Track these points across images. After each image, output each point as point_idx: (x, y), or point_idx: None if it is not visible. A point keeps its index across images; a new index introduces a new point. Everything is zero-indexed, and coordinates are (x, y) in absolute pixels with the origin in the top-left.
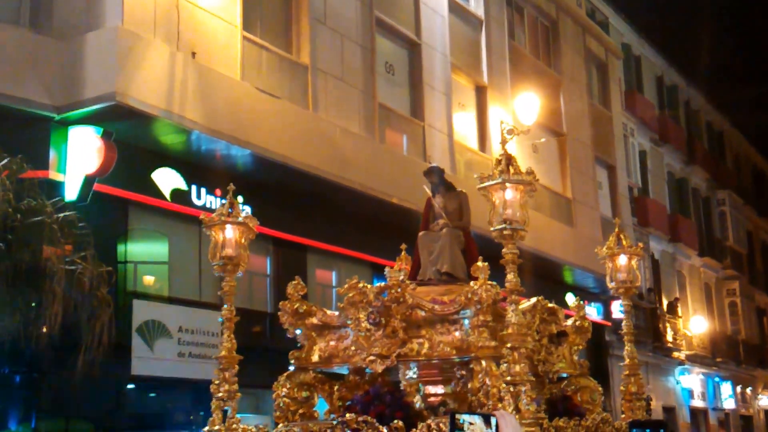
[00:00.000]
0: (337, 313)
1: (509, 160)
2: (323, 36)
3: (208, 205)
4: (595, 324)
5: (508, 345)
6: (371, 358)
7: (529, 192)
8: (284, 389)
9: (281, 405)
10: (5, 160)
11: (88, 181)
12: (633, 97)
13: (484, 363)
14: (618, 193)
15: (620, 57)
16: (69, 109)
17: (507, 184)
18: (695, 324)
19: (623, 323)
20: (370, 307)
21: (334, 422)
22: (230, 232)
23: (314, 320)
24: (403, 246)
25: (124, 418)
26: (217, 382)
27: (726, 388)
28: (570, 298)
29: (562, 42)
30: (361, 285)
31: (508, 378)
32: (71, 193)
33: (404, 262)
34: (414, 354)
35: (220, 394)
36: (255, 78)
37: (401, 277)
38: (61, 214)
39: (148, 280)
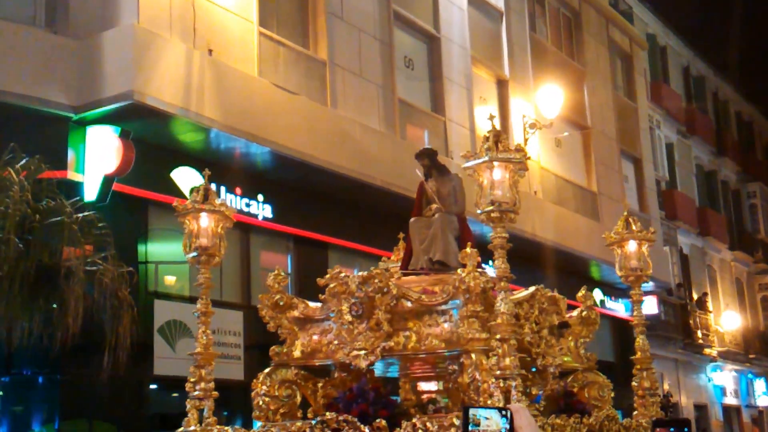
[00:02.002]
0: (319, 305)
1: (497, 136)
2: (340, 31)
3: (228, 204)
4: (622, 321)
5: (497, 336)
6: (354, 352)
7: (519, 171)
8: (264, 387)
9: (261, 404)
10: (23, 161)
11: (107, 181)
12: (659, 89)
13: (474, 356)
14: (645, 186)
15: (645, 48)
16: (87, 108)
17: (494, 163)
18: (727, 319)
19: (634, 313)
20: (352, 298)
21: (313, 422)
22: (205, 221)
23: (296, 313)
24: (401, 235)
25: (146, 418)
26: (192, 379)
27: (760, 384)
28: (597, 294)
29: (585, 33)
30: (342, 275)
31: (498, 372)
32: (90, 193)
33: (402, 251)
34: (400, 348)
35: (196, 393)
36: (272, 74)
37: (386, 266)
38: (81, 215)
39: (169, 280)
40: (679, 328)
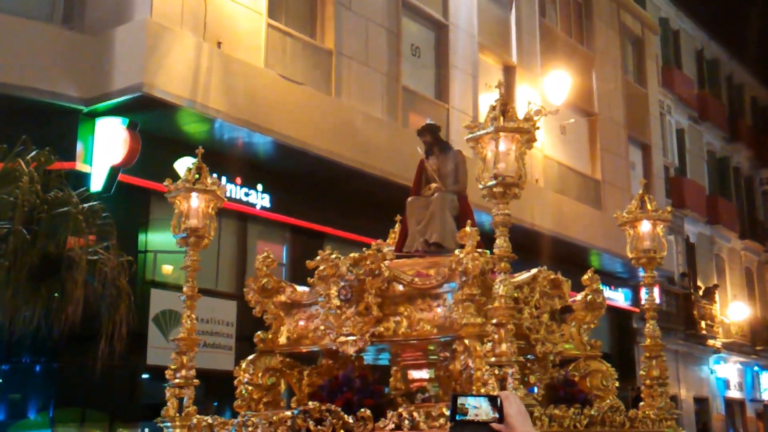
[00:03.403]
0: (307, 289)
1: (504, 105)
2: (348, 20)
3: (227, 194)
4: (622, 310)
5: (493, 321)
6: (342, 338)
7: (527, 143)
8: (246, 375)
9: (243, 393)
10: (33, 153)
11: (114, 171)
12: (671, 74)
13: (467, 342)
14: (652, 173)
15: (657, 32)
16: (97, 101)
17: (500, 134)
18: (734, 310)
19: (646, 298)
20: (342, 281)
21: (295, 412)
22: (195, 201)
23: (283, 298)
24: (398, 218)
25: (139, 408)
26: (173, 367)
27: (766, 378)
28: None
29: (596, 18)
30: (333, 256)
31: (493, 359)
32: (97, 184)
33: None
34: (390, 334)
35: (177, 380)
36: (279, 65)
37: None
38: (86, 205)
39: (167, 269)
40: (680, 318)
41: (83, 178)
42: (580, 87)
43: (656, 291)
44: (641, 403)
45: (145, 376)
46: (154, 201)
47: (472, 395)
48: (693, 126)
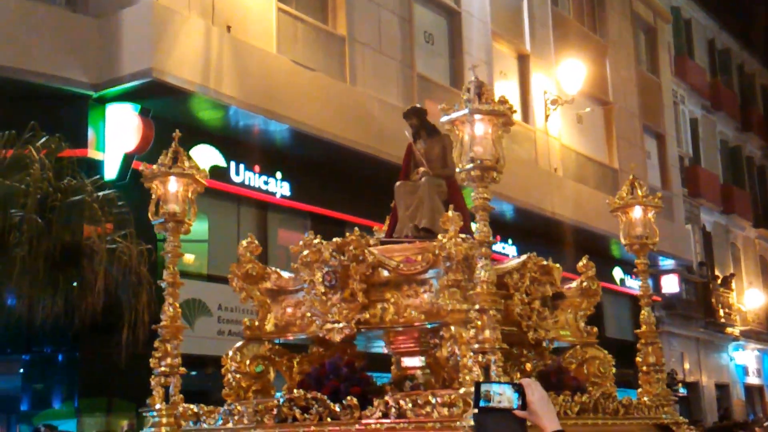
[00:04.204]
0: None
1: (479, 87)
2: (360, 6)
3: (246, 182)
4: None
5: (476, 307)
6: (328, 325)
7: (503, 126)
8: (233, 363)
9: (231, 381)
10: (44, 139)
11: (127, 159)
12: (683, 63)
13: (453, 329)
14: (668, 162)
15: (669, 21)
16: (106, 86)
17: (476, 116)
18: (750, 298)
19: (640, 285)
20: (326, 266)
21: (281, 400)
22: (173, 185)
23: (268, 284)
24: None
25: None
26: (158, 355)
27: None
28: (617, 273)
29: (608, 7)
30: (316, 242)
31: (476, 346)
32: (111, 171)
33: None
34: (377, 321)
35: (162, 369)
36: (291, 51)
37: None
38: (101, 193)
39: (188, 258)
40: (700, 306)
41: (96, 166)
42: (594, 76)
43: (676, 279)
44: (638, 390)
45: None
46: None
47: (497, 382)
48: (706, 115)
